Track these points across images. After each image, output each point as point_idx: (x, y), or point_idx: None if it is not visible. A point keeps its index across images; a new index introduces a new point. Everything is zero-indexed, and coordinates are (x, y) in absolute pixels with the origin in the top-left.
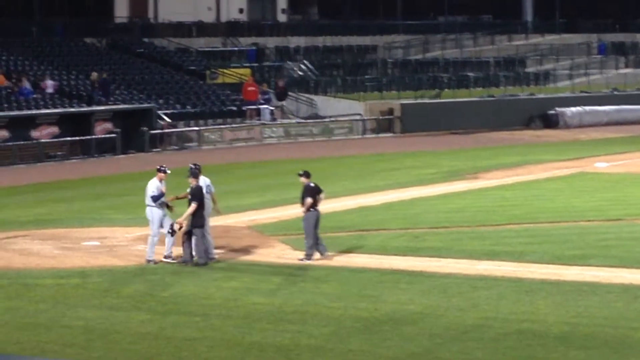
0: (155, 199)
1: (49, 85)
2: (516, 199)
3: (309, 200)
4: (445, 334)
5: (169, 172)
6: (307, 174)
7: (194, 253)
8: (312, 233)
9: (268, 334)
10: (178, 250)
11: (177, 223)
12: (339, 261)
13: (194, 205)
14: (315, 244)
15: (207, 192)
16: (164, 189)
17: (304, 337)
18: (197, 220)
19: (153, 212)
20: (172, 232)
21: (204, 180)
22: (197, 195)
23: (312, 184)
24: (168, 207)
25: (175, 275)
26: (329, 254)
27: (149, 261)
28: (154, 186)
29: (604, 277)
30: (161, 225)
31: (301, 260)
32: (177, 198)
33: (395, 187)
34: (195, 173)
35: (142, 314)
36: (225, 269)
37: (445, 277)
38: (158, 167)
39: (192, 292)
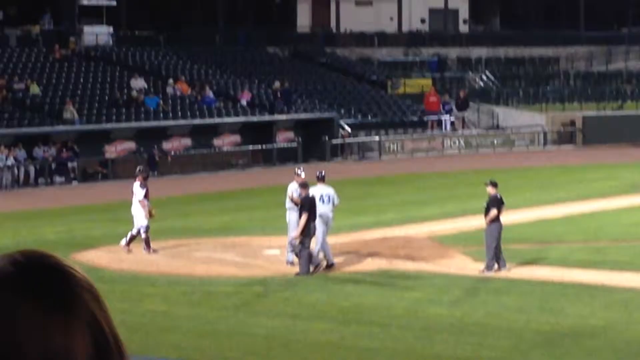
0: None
1: (245, 96)
2: None
3: (494, 211)
4: (627, 348)
5: (303, 175)
6: (494, 184)
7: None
8: (494, 245)
9: (449, 345)
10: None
11: (294, 238)
12: (519, 273)
13: (305, 216)
14: (495, 256)
15: (328, 202)
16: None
17: (485, 350)
18: (304, 230)
19: (290, 216)
20: (293, 248)
21: (324, 190)
22: (306, 205)
23: (498, 195)
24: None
25: (356, 284)
26: (508, 266)
27: (287, 262)
28: (291, 190)
29: None
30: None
31: (482, 271)
32: (292, 200)
33: (576, 200)
34: (304, 184)
35: (323, 323)
36: (406, 279)
37: (628, 291)
38: (295, 169)
39: (372, 302)
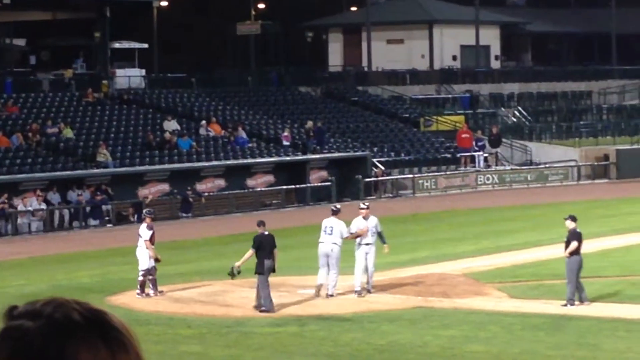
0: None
1: (286, 137)
2: None
3: (575, 244)
4: None
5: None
6: (574, 218)
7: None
8: (575, 278)
9: None
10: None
11: (235, 267)
12: (555, 309)
13: (250, 252)
14: (575, 290)
15: (330, 233)
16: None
17: None
18: (257, 267)
19: (371, 249)
20: (232, 276)
21: (329, 222)
22: (255, 243)
23: (577, 229)
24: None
25: (392, 323)
26: (589, 302)
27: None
28: (355, 225)
29: None
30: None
31: (564, 306)
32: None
33: (611, 234)
34: (259, 222)
35: None
36: (441, 316)
37: None
38: (361, 204)
39: (408, 340)
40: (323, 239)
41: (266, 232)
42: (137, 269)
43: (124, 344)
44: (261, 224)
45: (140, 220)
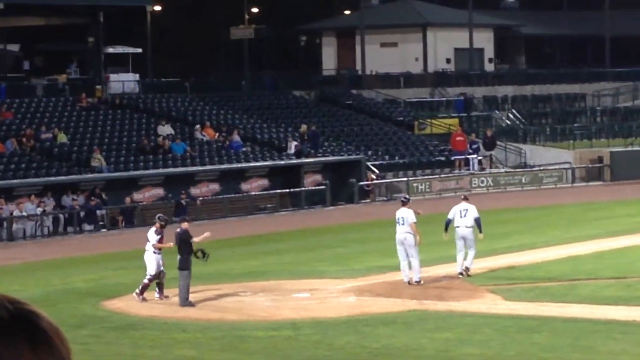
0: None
1: (292, 146)
2: None
3: None
4: None
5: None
6: None
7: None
8: None
9: None
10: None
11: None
12: (550, 311)
13: (171, 244)
14: None
15: (403, 224)
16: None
17: None
18: (182, 263)
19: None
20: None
21: (400, 213)
22: (176, 239)
23: None
24: None
25: (387, 326)
26: None
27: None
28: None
29: None
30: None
31: None
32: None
33: (605, 236)
34: (183, 219)
35: None
36: (436, 319)
37: None
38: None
39: (404, 343)
40: (397, 229)
41: (178, 229)
42: (132, 273)
43: (50, 346)
44: (184, 220)
45: (130, 224)
